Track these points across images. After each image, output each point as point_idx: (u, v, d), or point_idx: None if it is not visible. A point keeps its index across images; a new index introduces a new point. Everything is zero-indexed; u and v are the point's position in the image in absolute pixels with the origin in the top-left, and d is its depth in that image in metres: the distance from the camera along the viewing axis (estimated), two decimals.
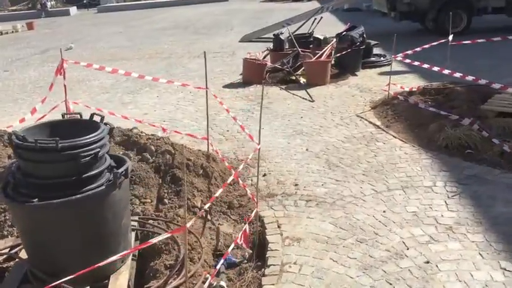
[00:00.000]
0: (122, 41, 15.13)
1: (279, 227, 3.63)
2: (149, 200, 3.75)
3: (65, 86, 5.22)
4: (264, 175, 4.57)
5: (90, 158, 2.63)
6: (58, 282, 2.18)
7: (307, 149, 5.26)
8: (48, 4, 30.16)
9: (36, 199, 2.51)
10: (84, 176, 2.62)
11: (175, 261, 3.04)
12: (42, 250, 2.71)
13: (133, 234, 3.23)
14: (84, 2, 32.12)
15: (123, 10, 28.81)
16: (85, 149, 2.60)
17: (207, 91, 4.84)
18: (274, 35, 9.69)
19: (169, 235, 2.76)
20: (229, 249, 3.09)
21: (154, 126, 5.41)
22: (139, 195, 3.76)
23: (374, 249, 3.27)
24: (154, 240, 2.58)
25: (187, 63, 10.59)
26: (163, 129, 5.21)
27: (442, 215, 3.65)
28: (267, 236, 3.51)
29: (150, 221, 3.51)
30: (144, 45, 13.90)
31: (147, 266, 3.16)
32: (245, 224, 3.37)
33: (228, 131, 5.99)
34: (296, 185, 4.36)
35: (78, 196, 2.54)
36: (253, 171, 4.61)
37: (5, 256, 3.11)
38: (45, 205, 2.50)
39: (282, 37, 9.43)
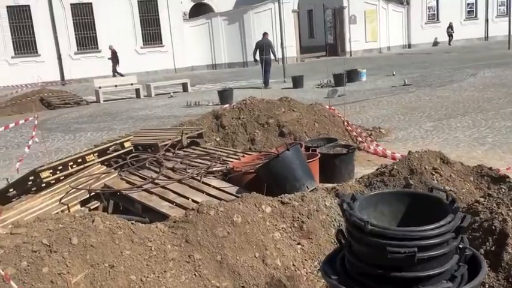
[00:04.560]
0: None
1: None
2: None
3: None
4: None
5: (403, 256, 2.06)
6: None
7: None
8: None
9: (336, 277, 2.26)
10: (392, 274, 2.10)
11: None
12: None
13: None
14: None
15: None
16: (396, 242, 2.06)
17: None
18: None
19: None
20: None
21: None
22: None
23: None
24: None
25: None
26: None
27: None
28: None
29: None
30: None
31: None
32: None
33: None
34: None
35: None
36: None
37: None
38: (335, 286, 2.21)
39: None
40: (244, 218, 3.96)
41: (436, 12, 33.57)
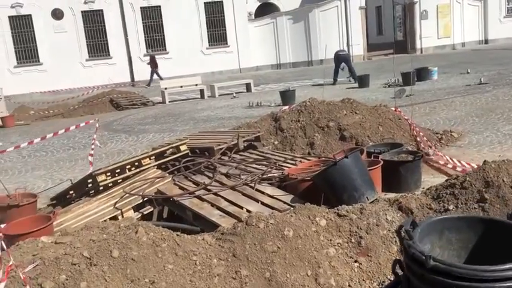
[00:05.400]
0: None
1: None
2: None
3: None
4: None
5: None
6: None
7: None
8: None
9: None
10: None
11: None
12: None
13: None
14: None
15: None
16: (465, 284, 1.70)
17: None
18: None
19: None
20: None
21: None
22: None
23: None
24: None
25: None
26: None
27: None
28: None
29: None
30: None
31: None
32: None
33: None
34: None
35: None
36: None
37: None
38: None
39: None
40: (296, 232, 3.68)
41: None
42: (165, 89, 17.96)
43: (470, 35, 30.30)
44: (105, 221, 4.12)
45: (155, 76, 24.35)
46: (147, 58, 24.74)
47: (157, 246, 3.26)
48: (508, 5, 31.11)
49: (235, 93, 17.04)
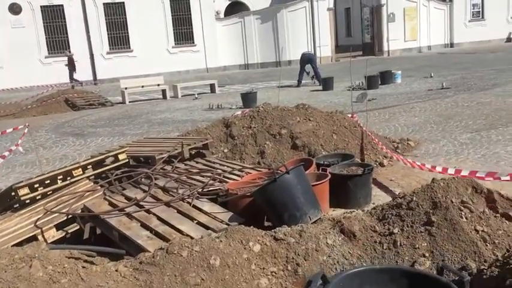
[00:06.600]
0: None
1: None
2: None
3: None
4: None
5: None
6: None
7: None
8: None
9: None
10: None
11: None
12: None
13: None
14: None
15: None
16: None
17: None
18: None
19: None
20: None
21: None
22: None
23: None
24: None
25: None
26: None
27: None
28: None
29: None
30: None
31: None
32: None
33: None
34: None
35: None
36: None
37: None
38: None
39: None
40: (224, 260, 3.27)
41: (481, 9, 31.73)
42: (126, 88, 17.32)
43: (437, 38, 30.59)
44: (11, 246, 3.61)
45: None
46: (66, 59, 23.97)
47: (55, 282, 2.79)
48: (473, 9, 31.54)
49: (197, 94, 16.53)
